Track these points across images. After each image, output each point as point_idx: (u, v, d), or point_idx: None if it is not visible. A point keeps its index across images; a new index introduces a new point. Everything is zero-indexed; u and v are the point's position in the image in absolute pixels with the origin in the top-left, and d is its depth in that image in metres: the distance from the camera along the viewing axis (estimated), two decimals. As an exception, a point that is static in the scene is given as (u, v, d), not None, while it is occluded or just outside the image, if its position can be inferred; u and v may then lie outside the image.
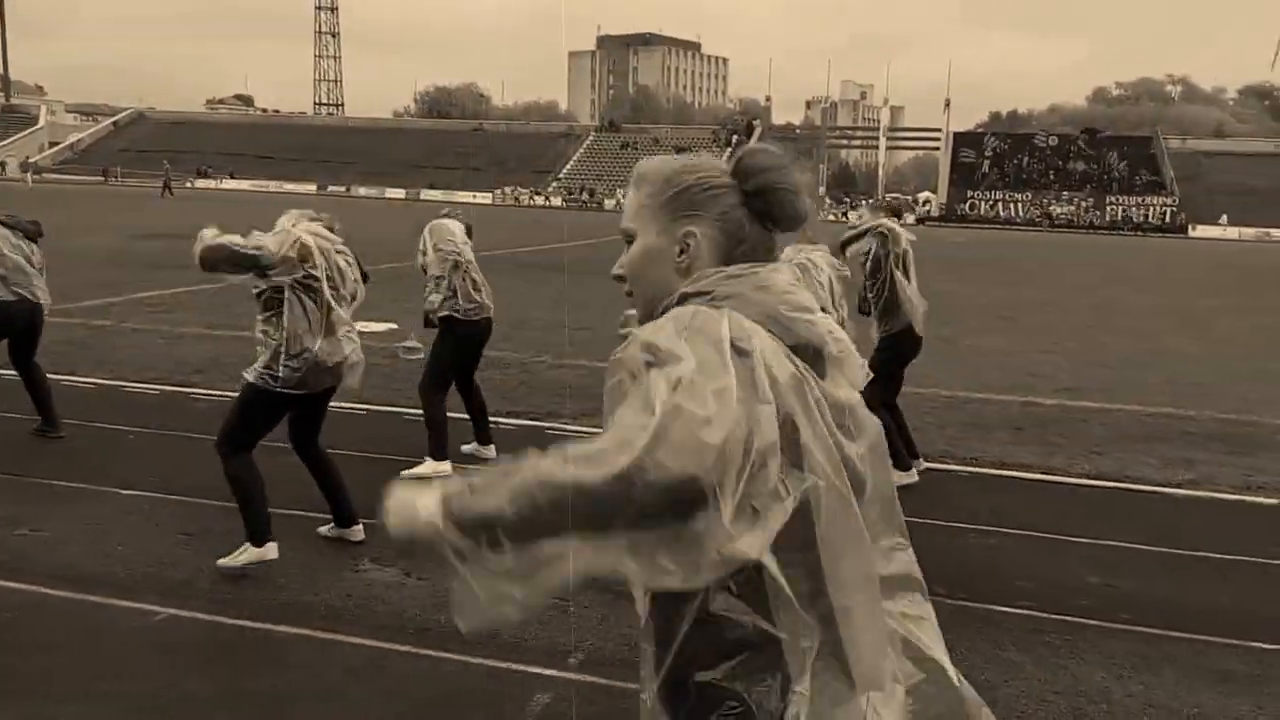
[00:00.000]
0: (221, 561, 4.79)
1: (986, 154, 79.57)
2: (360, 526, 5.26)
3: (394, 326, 11.84)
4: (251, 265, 4.73)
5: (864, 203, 7.79)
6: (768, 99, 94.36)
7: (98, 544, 5.11)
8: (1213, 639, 4.58)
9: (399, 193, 74.35)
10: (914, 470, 6.70)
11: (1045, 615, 4.76)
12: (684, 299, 1.56)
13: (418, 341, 10.08)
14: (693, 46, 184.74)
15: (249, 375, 4.86)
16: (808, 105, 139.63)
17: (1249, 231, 62.66)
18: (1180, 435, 8.53)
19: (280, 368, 4.79)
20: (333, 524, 5.31)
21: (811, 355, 1.53)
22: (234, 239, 4.73)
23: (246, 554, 4.79)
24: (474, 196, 71.57)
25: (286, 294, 4.82)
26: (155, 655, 3.97)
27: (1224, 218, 65.06)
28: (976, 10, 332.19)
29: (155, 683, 3.76)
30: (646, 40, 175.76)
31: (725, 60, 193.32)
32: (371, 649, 4.11)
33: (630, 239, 1.68)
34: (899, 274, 6.78)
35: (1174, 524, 6.26)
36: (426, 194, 73.02)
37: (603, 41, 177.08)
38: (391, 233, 29.58)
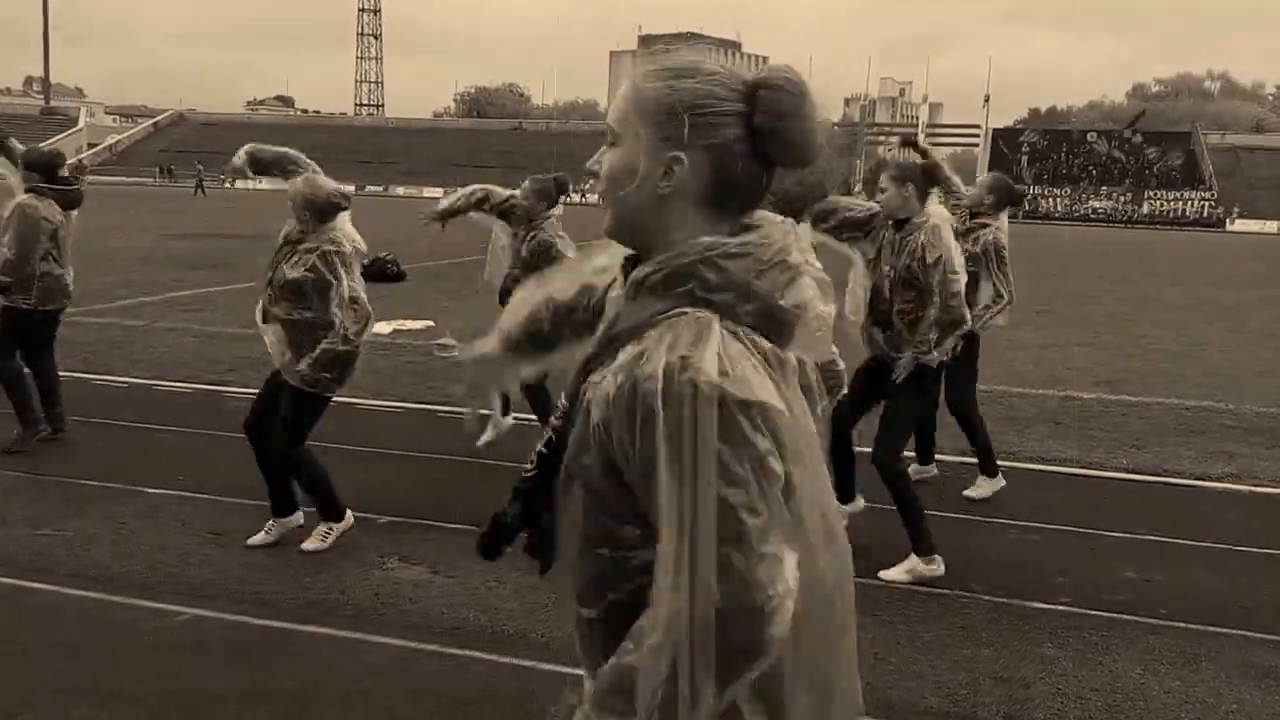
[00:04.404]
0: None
1: (1025, 149, 78.81)
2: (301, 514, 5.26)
3: (430, 324, 11.90)
4: None
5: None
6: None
7: (123, 544, 5.12)
8: (1253, 634, 4.47)
9: (437, 192, 74.40)
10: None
11: (1083, 611, 4.66)
12: (671, 281, 1.40)
13: (453, 339, 10.10)
14: (733, 45, 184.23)
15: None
16: (846, 103, 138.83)
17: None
18: (1219, 428, 8.36)
19: None
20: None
21: (790, 330, 1.46)
22: None
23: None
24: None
25: None
26: (178, 656, 3.96)
27: (1235, 210, 64.34)
28: (1017, 8, 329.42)
29: (178, 683, 3.75)
30: (687, 39, 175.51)
31: (765, 59, 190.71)
32: (398, 648, 4.08)
33: (612, 140, 1.48)
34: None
35: (1213, 518, 6.12)
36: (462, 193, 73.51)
37: (644, 41, 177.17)
38: (428, 232, 29.67)
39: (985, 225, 6.22)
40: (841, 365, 5.10)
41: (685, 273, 1.39)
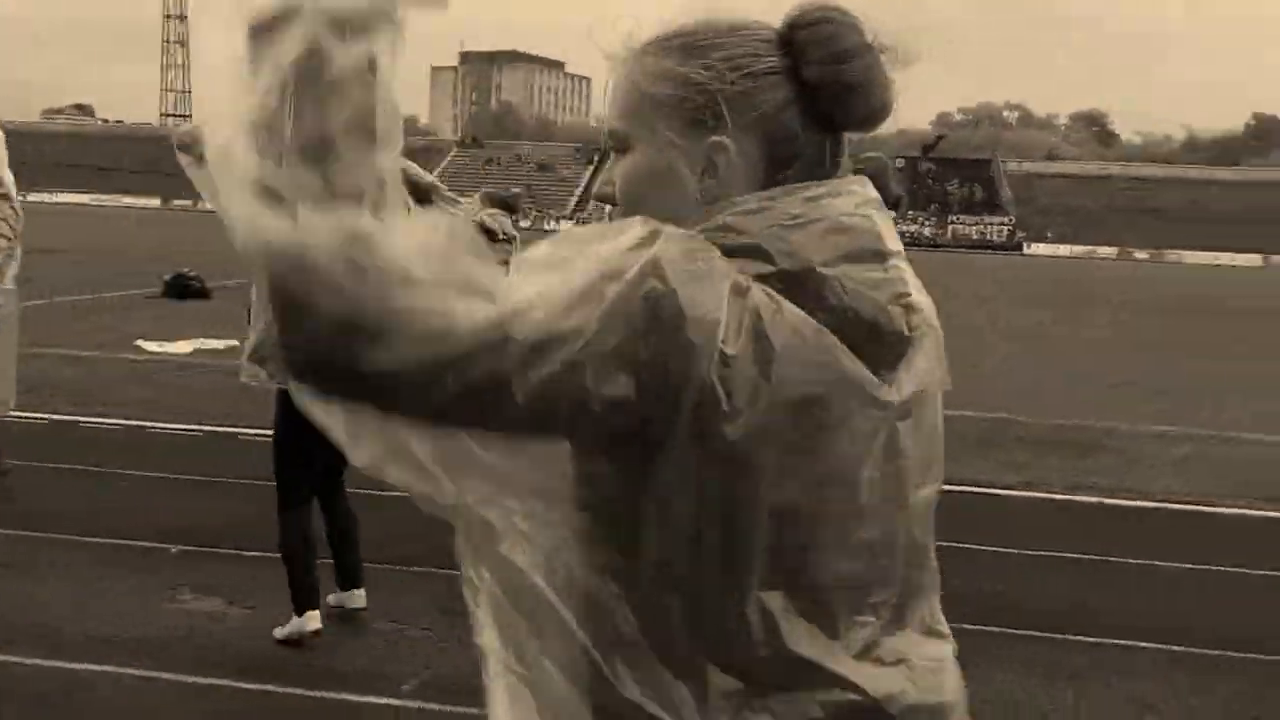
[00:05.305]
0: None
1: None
2: (362, 591, 4.46)
3: (235, 344, 11.41)
4: None
5: None
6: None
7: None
8: (1043, 634, 4.70)
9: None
10: None
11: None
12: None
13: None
14: (556, 65, 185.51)
15: None
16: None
17: (1078, 249, 66.10)
18: (1014, 440, 8.83)
19: None
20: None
21: (863, 334, 1.03)
22: None
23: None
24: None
25: None
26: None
27: (1049, 234, 68.68)
28: None
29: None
30: (510, 57, 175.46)
31: (588, 79, 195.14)
32: (189, 685, 3.87)
33: (621, 146, 1.12)
34: None
35: (1007, 524, 6.44)
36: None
37: (466, 57, 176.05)
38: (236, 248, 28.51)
39: None
40: None
41: (716, 226, 1.04)
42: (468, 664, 4.42)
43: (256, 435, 7.67)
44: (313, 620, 4.13)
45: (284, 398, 3.96)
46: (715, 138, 1.05)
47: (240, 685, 3.88)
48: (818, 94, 1.05)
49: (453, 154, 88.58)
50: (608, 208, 1.15)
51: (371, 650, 4.21)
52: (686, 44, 1.07)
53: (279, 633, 4.17)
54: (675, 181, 1.07)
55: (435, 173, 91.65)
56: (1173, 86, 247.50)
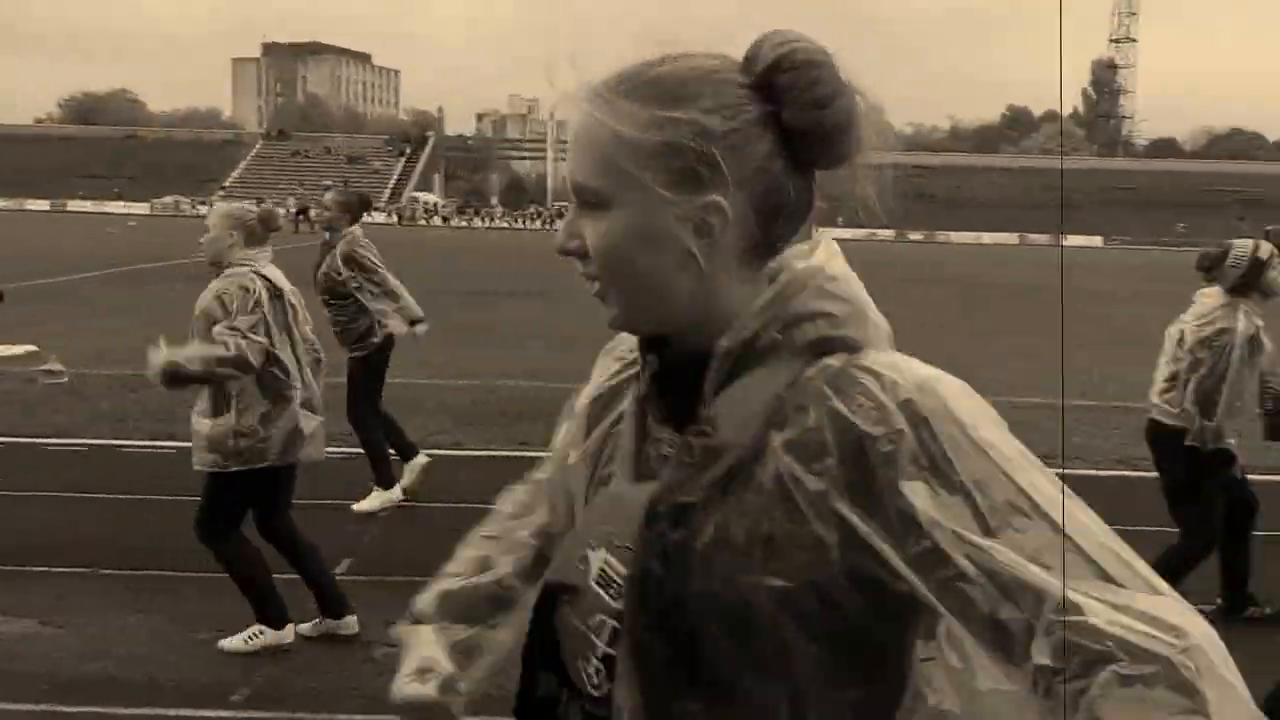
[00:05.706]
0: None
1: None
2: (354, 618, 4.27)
3: (33, 348, 10.74)
4: None
5: None
6: (440, 110, 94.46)
7: None
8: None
9: (43, 204, 68.32)
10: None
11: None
12: (793, 330, 1.01)
13: (60, 364, 9.18)
14: (363, 57, 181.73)
15: None
16: (479, 118, 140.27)
17: (846, 233, 69.88)
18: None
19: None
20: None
21: None
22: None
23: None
24: (128, 207, 66.99)
25: None
26: None
27: (840, 220, 72.56)
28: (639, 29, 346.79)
29: None
30: (315, 49, 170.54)
31: (397, 72, 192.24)
32: (3, 713, 3.65)
33: (596, 203, 1.01)
34: None
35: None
36: (74, 205, 67.86)
37: (269, 49, 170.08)
38: (32, 248, 26.83)
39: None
40: None
41: (805, 314, 1.01)
42: (297, 670, 4.36)
43: (60, 445, 7.28)
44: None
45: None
46: (712, 196, 0.97)
47: (58, 709, 3.69)
48: (800, 139, 0.99)
49: (258, 146, 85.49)
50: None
51: (197, 661, 4.06)
52: (664, 91, 0.98)
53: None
54: (669, 244, 0.98)
55: (241, 166, 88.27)
56: (938, 79, 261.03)
